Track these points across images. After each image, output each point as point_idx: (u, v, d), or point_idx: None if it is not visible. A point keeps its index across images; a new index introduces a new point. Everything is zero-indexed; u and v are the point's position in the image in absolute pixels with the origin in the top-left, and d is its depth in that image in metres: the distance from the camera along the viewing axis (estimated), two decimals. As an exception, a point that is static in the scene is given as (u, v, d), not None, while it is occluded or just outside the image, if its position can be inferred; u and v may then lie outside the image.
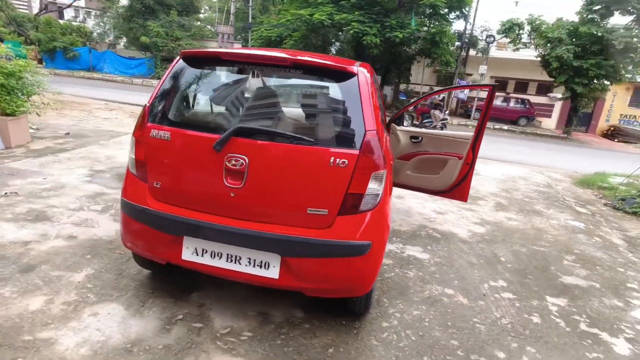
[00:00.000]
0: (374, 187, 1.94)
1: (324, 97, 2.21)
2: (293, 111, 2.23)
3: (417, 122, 11.43)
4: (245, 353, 2.00)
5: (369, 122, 1.93)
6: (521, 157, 9.56)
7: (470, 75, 19.47)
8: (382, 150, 1.95)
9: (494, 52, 18.83)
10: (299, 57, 1.99)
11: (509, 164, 8.28)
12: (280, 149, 1.92)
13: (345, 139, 1.95)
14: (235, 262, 1.99)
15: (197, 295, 2.44)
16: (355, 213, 1.94)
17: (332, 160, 1.87)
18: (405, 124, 4.01)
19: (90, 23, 30.11)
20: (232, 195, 1.95)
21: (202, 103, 2.34)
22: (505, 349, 2.28)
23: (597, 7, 14.21)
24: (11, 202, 3.51)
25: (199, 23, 26.93)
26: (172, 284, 2.53)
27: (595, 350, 2.37)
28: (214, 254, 2.01)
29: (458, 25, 19.46)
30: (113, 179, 4.52)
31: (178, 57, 2.21)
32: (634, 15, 13.92)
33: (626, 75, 14.80)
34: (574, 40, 14.40)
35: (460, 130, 13.28)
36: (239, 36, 24.30)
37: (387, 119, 3.76)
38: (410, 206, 4.72)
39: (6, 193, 3.71)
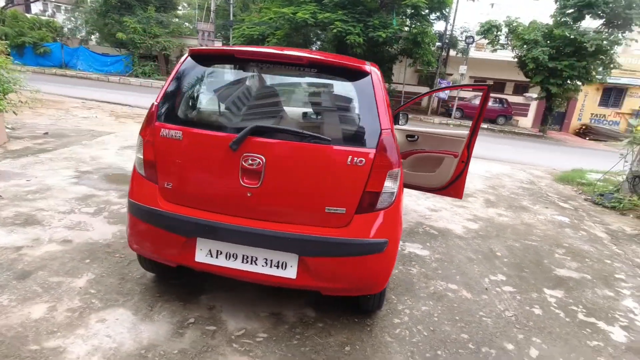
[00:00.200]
0: (389, 185, 1.95)
1: (338, 96, 2.21)
2: (308, 110, 2.21)
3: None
4: (262, 354, 1.98)
5: (384, 120, 1.95)
6: (502, 155, 9.85)
7: (451, 75, 19.90)
8: (396, 149, 1.97)
9: (473, 52, 19.30)
10: (314, 56, 1.98)
11: (491, 162, 8.51)
12: (298, 148, 1.90)
13: (361, 137, 1.96)
14: (251, 263, 1.96)
15: (206, 297, 2.39)
16: (372, 211, 1.95)
17: (349, 158, 1.88)
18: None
19: (60, 18, 28.89)
20: (248, 195, 1.91)
21: (214, 102, 2.29)
22: (513, 340, 2.35)
23: (569, 11, 14.78)
24: (-4, 206, 3.33)
25: (177, 20, 26.30)
26: (179, 287, 2.46)
27: (595, 338, 2.48)
28: (229, 255, 1.97)
29: (439, 26, 19.89)
30: (102, 180, 4.35)
31: (186, 55, 2.15)
32: (603, 19, 14.61)
33: (597, 77, 15.46)
34: (549, 42, 14.92)
35: (442, 128, 13.54)
36: (219, 34, 23.90)
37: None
38: (405, 204, 4.78)
39: (-11, 196, 3.51)
